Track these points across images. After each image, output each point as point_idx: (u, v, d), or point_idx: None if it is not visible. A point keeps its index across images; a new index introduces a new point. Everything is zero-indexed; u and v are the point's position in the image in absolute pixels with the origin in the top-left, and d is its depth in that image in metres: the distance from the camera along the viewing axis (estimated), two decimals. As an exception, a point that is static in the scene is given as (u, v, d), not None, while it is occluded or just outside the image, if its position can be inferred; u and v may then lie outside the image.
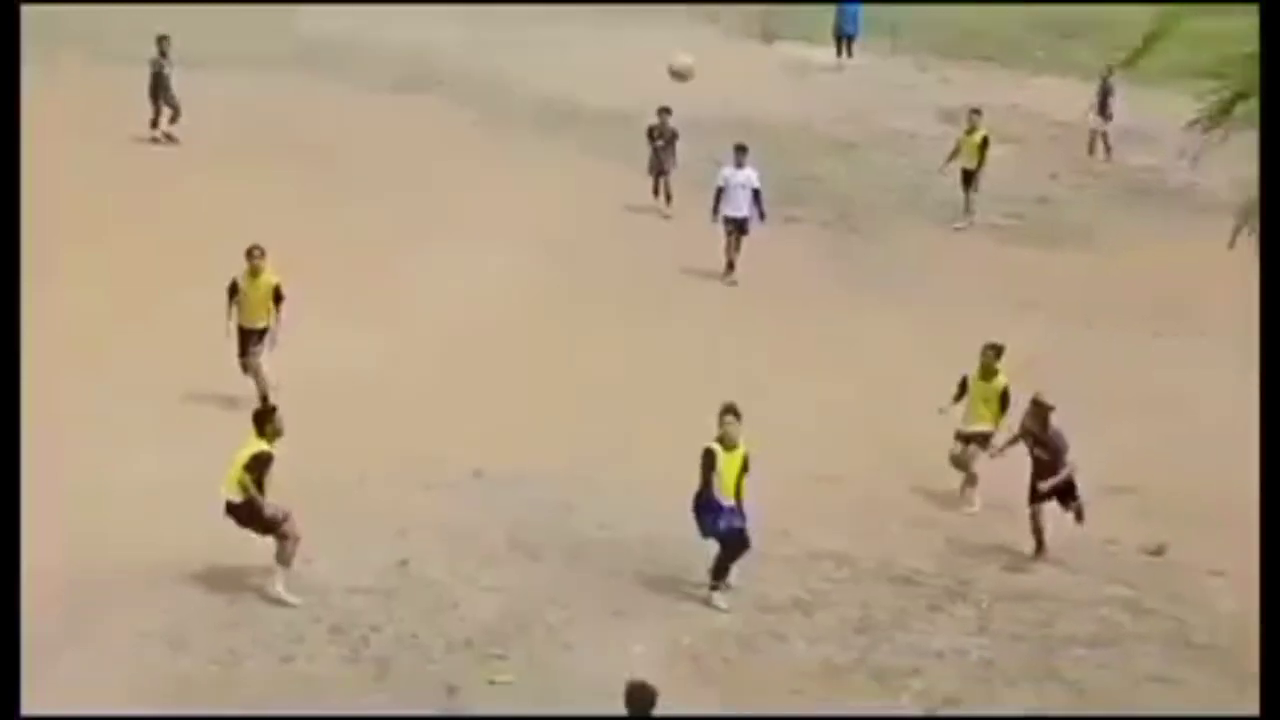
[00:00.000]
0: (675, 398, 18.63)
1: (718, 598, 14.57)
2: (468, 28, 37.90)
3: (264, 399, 16.97)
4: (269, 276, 18.17)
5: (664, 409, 18.41)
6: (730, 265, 23.75)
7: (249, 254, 18.18)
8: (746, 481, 14.47)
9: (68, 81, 29.27)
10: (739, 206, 23.62)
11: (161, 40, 28.02)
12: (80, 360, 18.30)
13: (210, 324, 18.19)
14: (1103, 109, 31.73)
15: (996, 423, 16.85)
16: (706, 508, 14.39)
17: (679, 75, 28.27)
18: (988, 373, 16.98)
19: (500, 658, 13.53)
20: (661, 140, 26.49)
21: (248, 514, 14.04)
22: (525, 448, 17.36)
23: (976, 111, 27.52)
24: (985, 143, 26.96)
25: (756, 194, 23.68)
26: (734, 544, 14.47)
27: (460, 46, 36.19)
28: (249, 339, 18.18)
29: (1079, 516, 15.92)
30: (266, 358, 18.12)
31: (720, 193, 23.74)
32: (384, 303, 21.28)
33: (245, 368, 18.18)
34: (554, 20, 39.52)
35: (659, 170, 26.49)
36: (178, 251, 21.73)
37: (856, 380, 19.79)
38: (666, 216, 26.27)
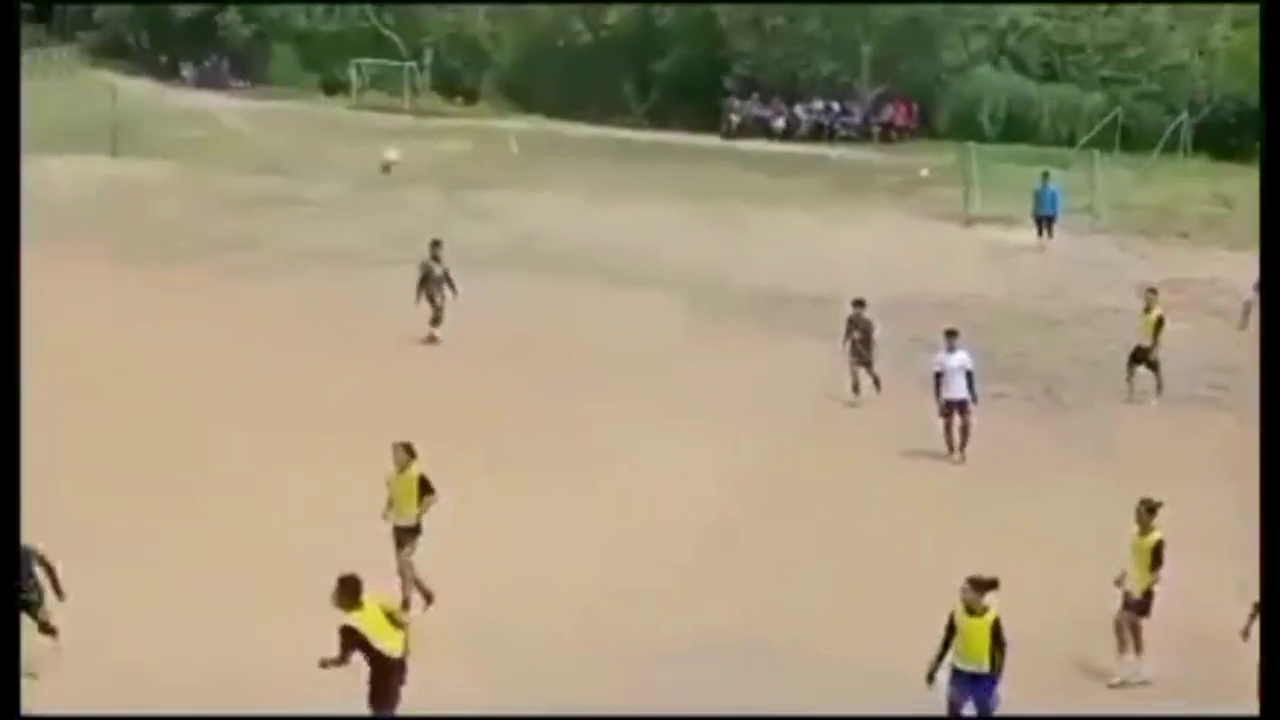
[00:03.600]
0: (900, 574, 19.31)
1: None
2: (673, 215, 39.54)
3: (405, 604, 16.83)
4: (414, 471, 17.69)
5: (890, 585, 19.01)
6: (952, 446, 24.55)
7: (395, 450, 17.75)
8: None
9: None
10: (957, 389, 24.60)
11: (435, 245, 30.06)
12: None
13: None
14: None
15: (1150, 579, 16.97)
16: (950, 674, 15.00)
17: (386, 167, 44.73)
18: (1144, 529, 17.05)
19: None
20: (859, 333, 27.23)
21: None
22: (751, 631, 17.78)
23: (1153, 290, 28.36)
24: (1160, 322, 27.53)
25: (969, 376, 24.66)
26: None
27: (664, 234, 37.79)
28: (397, 535, 17.81)
29: None
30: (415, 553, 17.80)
31: (939, 378, 24.74)
32: (612, 498, 21.95)
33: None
34: (762, 204, 41.01)
35: (862, 362, 27.21)
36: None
37: (1075, 556, 19.76)
38: (852, 404, 26.99)
